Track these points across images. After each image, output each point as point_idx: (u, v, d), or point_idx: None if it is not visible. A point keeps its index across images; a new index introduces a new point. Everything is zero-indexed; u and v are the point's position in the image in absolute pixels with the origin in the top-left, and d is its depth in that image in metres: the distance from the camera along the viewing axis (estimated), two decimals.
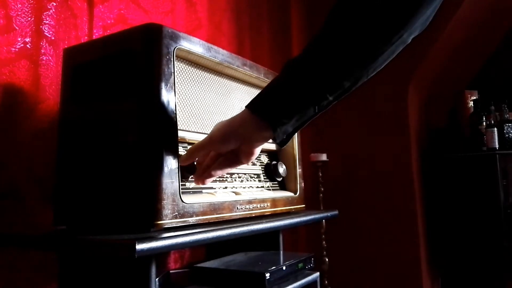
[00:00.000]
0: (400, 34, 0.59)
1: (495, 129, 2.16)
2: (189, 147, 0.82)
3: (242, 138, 0.66)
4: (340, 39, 0.61)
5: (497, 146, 2.14)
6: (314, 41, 0.64)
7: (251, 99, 0.66)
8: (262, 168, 1.05)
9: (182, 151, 0.78)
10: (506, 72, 2.58)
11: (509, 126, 2.22)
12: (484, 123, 2.19)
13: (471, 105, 2.30)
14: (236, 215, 0.86)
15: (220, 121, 0.70)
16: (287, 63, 0.65)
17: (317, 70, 0.62)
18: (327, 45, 0.62)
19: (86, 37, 1.06)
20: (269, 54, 1.87)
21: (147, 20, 1.22)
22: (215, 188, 0.87)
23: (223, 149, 0.69)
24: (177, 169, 0.71)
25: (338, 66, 0.62)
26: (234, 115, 0.68)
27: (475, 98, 2.30)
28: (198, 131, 0.85)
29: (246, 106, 0.66)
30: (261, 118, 0.64)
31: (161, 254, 1.16)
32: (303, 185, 1.13)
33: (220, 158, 0.71)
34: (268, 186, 1.04)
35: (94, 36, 1.07)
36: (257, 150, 0.70)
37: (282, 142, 0.67)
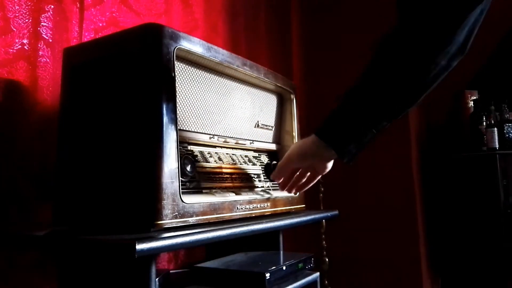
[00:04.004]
0: (437, 62, 0.68)
1: (495, 129, 2.16)
2: (190, 147, 0.82)
3: (314, 157, 0.82)
4: (386, 76, 0.71)
5: (497, 146, 2.14)
6: (366, 75, 0.73)
7: (319, 125, 0.78)
8: (262, 168, 1.05)
9: (182, 151, 0.78)
10: (506, 72, 2.57)
11: (509, 126, 2.22)
12: (484, 123, 2.19)
13: (471, 105, 2.29)
14: (236, 215, 0.86)
15: (295, 142, 0.93)
16: (345, 93, 0.75)
17: (371, 103, 0.73)
18: (378, 81, 0.72)
19: (75, 40, 1.05)
20: (267, 55, 1.86)
21: (139, 22, 1.21)
22: (215, 188, 0.86)
23: (300, 165, 0.87)
24: (177, 169, 0.71)
25: (389, 101, 0.72)
26: (307, 138, 0.81)
27: (475, 98, 2.29)
28: (198, 131, 0.85)
29: (314, 132, 0.78)
30: (326, 144, 0.76)
31: (161, 254, 1.16)
32: None
33: (301, 171, 0.89)
34: (268, 186, 1.04)
35: (84, 39, 1.06)
36: (330, 164, 0.86)
37: (349, 161, 0.78)
